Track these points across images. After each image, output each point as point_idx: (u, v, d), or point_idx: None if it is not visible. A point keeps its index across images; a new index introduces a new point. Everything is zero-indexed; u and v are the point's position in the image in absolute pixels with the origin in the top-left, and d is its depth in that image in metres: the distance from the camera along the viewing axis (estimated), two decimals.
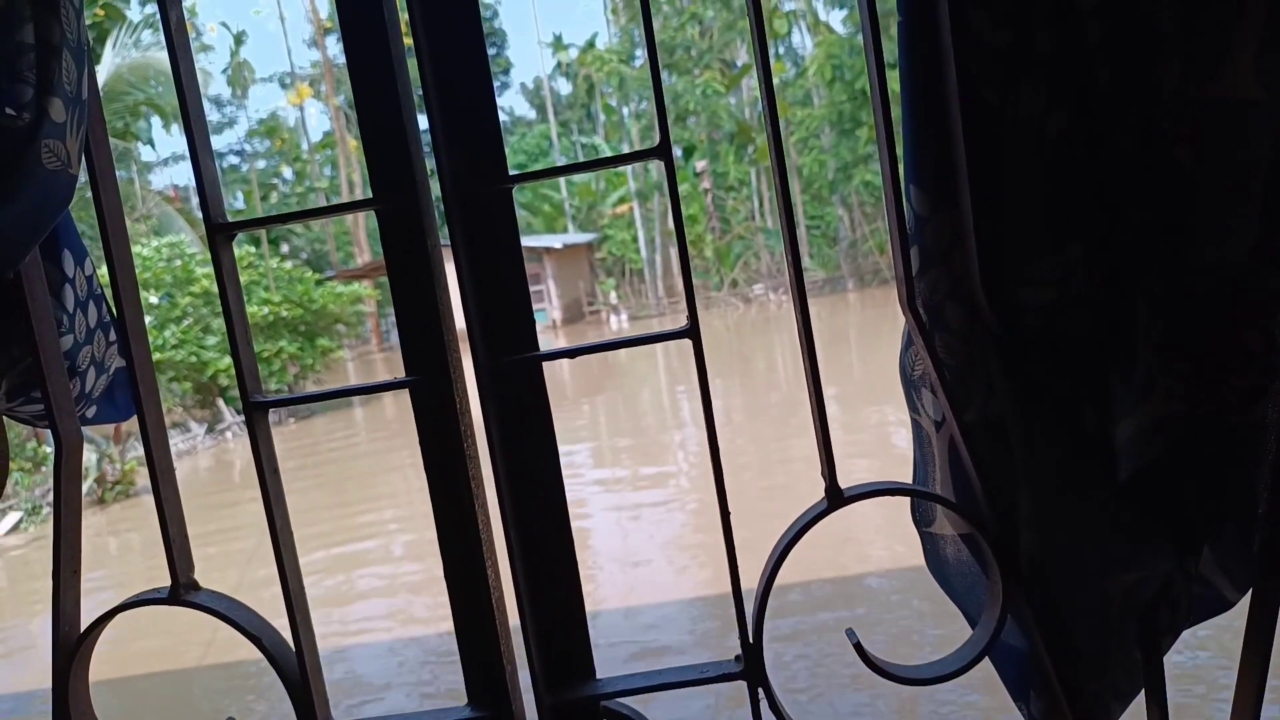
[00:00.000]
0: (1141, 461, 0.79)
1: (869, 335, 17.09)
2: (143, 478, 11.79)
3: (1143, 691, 0.89)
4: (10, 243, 0.77)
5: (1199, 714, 3.34)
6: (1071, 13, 0.77)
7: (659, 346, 17.49)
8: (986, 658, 0.87)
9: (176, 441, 14.14)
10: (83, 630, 0.87)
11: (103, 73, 16.66)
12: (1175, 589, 0.86)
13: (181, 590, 0.85)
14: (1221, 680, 3.51)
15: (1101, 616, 0.86)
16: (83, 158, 0.81)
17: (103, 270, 0.94)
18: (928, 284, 0.83)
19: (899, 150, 0.83)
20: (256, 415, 0.84)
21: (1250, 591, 0.87)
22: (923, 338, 0.82)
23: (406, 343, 0.82)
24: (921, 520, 0.92)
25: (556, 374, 16.79)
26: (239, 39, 32.30)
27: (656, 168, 31.05)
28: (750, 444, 9.34)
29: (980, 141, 0.78)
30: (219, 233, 0.81)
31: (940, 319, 0.83)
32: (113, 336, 1.09)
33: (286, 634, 0.88)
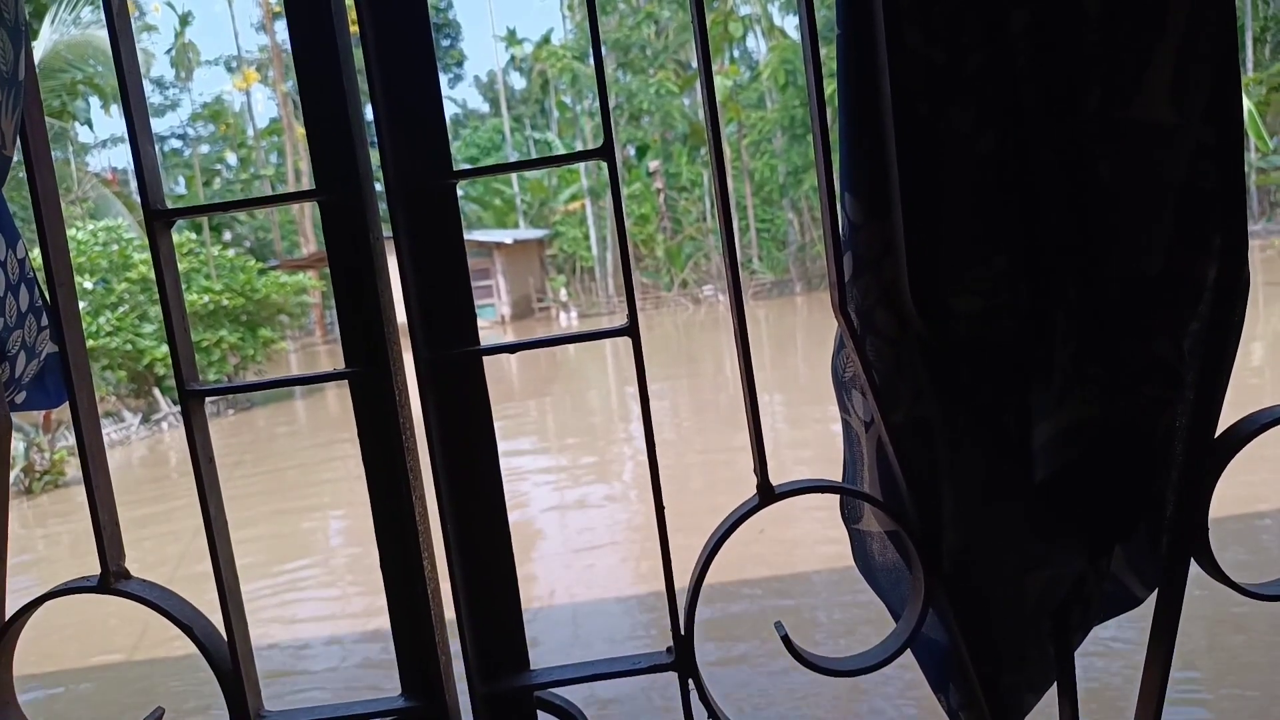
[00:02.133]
0: (1057, 464, 0.83)
1: (815, 338, 17.30)
2: (72, 468, 11.45)
3: (1055, 683, 0.93)
4: None
5: (1108, 704, 3.47)
6: (1002, 33, 0.80)
7: (608, 346, 17.50)
8: (909, 650, 0.90)
9: (110, 431, 13.75)
10: (7, 618, 0.85)
11: (40, 49, 16.12)
12: (1087, 587, 0.91)
13: (112, 579, 0.84)
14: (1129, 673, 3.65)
15: (1017, 612, 0.90)
16: (18, 139, 0.80)
17: (35, 254, 0.92)
18: (860, 289, 0.86)
19: (835, 158, 0.85)
20: (192, 404, 0.83)
21: (1157, 590, 0.92)
22: (853, 341, 0.85)
23: (346, 335, 0.82)
24: (850, 517, 0.95)
25: (504, 372, 16.70)
26: (184, 20, 31.46)
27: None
28: (696, 441, 9.41)
29: (913, 153, 0.81)
30: (158, 219, 0.81)
31: (871, 323, 0.86)
32: (44, 321, 1.07)
33: (218, 623, 0.88)
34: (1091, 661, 3.74)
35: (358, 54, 0.83)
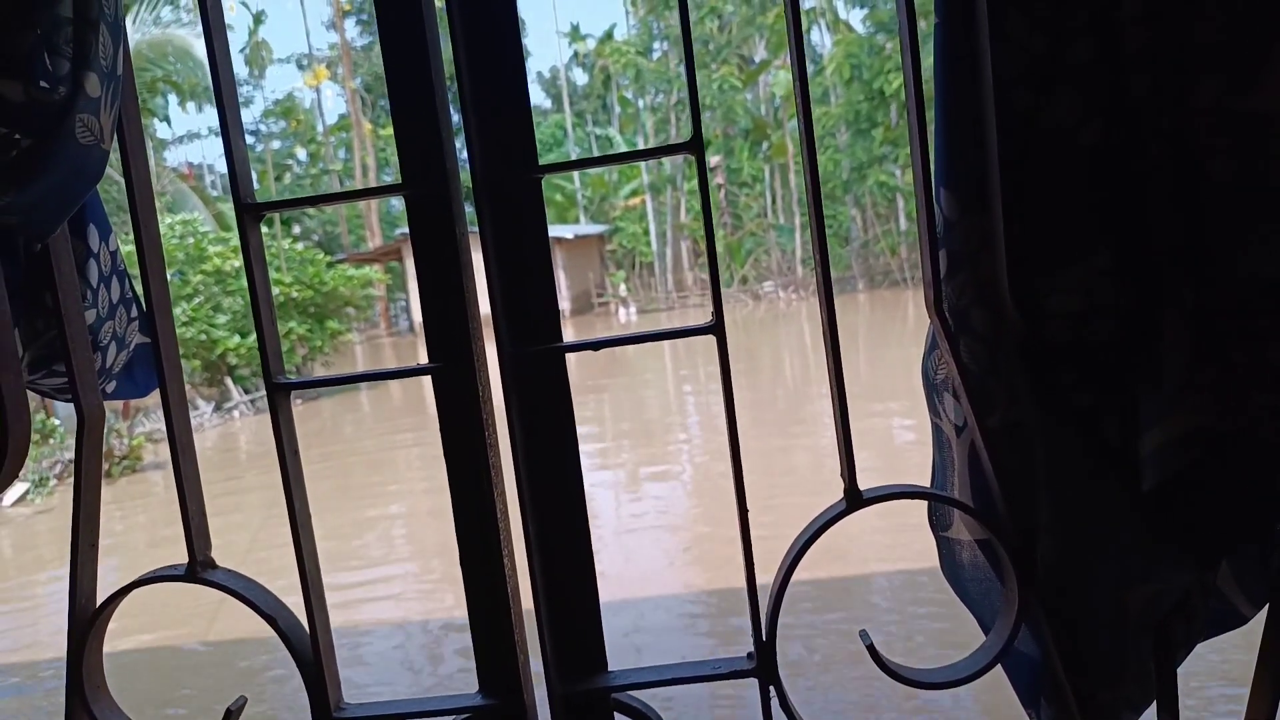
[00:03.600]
0: (1166, 474, 0.79)
1: (877, 336, 17.06)
2: (149, 454, 11.85)
3: (1155, 703, 0.89)
4: (42, 216, 0.77)
5: None
6: (1111, 20, 0.76)
7: (665, 342, 17.46)
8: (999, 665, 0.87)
9: None
10: (99, 604, 0.87)
11: None
12: (1192, 602, 0.86)
13: (198, 568, 0.86)
14: (1231, 693, 3.51)
15: (1117, 626, 0.86)
16: (114, 133, 0.81)
17: (127, 247, 0.94)
18: (954, 288, 0.83)
19: (930, 152, 0.82)
20: (279, 396, 0.84)
21: (1266, 607, 0.87)
22: (948, 341, 0.82)
23: (430, 329, 0.82)
24: (938, 524, 0.92)
25: None
26: (258, 19, 32.24)
27: (670, 161, 31.00)
28: (755, 440, 9.34)
29: (1012, 146, 0.78)
30: (248, 213, 0.81)
31: (965, 323, 0.83)
32: (134, 313, 1.09)
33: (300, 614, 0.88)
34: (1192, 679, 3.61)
35: (445, 49, 0.82)
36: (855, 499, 0.83)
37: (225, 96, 0.79)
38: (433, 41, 0.79)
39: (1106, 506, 0.82)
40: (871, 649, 0.83)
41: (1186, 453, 0.78)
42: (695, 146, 0.78)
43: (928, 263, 0.81)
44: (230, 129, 0.79)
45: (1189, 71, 0.76)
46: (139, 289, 1.00)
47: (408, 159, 0.80)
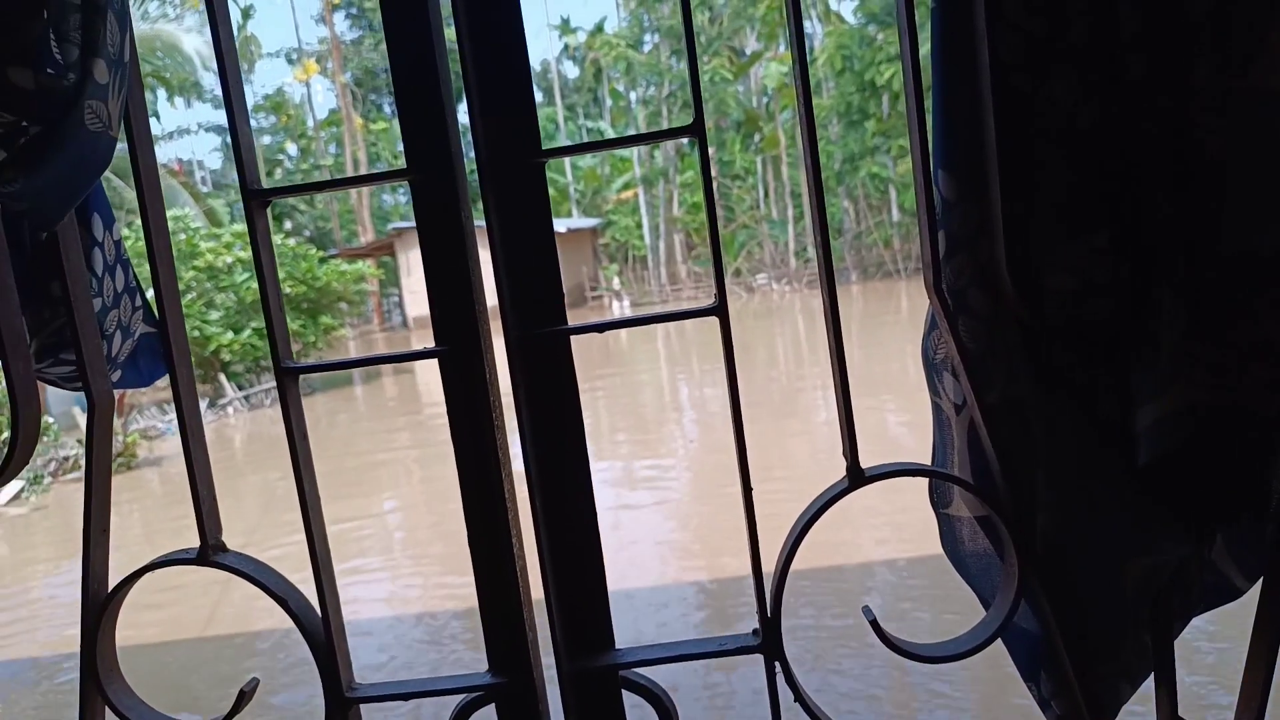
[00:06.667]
0: (1161, 448, 0.80)
1: (871, 327, 17.09)
2: (144, 450, 11.82)
3: (1152, 674, 0.91)
4: (50, 203, 0.77)
5: (1206, 699, 3.37)
6: (1108, 2, 0.77)
7: (659, 334, 17.53)
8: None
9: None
10: (111, 588, 0.88)
11: None
12: (1188, 575, 0.88)
13: (210, 551, 0.87)
14: (1232, 666, 3.54)
15: (1115, 600, 0.87)
16: (122, 121, 0.82)
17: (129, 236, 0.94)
18: (953, 268, 0.84)
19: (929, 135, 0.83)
20: (287, 381, 0.85)
21: (1261, 580, 0.89)
22: (947, 321, 0.83)
23: (437, 313, 0.83)
24: (939, 502, 0.94)
25: None
26: (246, 13, 32.09)
27: (662, 153, 30.98)
28: (750, 424, 9.37)
29: (1010, 128, 0.79)
30: (255, 199, 0.82)
31: (964, 303, 0.84)
32: (138, 302, 1.10)
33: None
34: (1190, 654, 3.65)
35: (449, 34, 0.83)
36: (858, 477, 0.84)
37: (231, 86, 0.80)
38: (436, 28, 0.79)
39: (1104, 481, 0.84)
40: (874, 624, 0.85)
41: (1182, 427, 0.80)
42: (697, 129, 0.79)
43: (927, 244, 0.82)
44: (236, 117, 0.80)
45: (1185, 51, 0.77)
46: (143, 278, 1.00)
47: (412, 145, 0.81)
